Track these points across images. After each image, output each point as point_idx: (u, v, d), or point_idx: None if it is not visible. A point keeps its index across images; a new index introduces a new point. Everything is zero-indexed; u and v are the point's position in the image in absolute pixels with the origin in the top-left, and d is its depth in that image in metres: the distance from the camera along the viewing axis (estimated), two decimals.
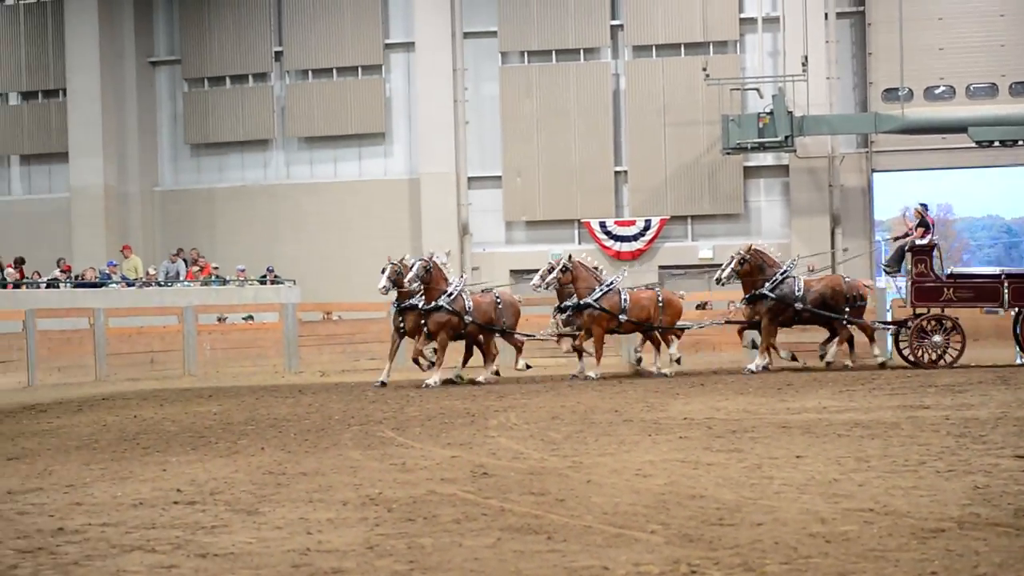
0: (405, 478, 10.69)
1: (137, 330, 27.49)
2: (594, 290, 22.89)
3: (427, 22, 37.20)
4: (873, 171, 36.22)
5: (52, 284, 31.67)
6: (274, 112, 38.76)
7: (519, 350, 23.70)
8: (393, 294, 22.50)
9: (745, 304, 23.74)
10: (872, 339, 23.85)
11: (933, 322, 23.31)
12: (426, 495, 9.71)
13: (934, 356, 23.25)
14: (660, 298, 23.60)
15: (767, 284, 23.18)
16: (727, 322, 24.86)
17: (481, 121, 37.72)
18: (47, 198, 39.40)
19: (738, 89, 35.71)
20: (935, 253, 23.65)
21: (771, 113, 34.11)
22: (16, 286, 30.52)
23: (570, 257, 23.27)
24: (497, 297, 23.37)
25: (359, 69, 38.25)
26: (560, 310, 23.44)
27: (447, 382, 22.34)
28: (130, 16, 38.91)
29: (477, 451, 12.48)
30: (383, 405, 18.41)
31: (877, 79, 35.85)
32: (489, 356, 23.48)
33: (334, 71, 38.36)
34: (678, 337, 23.88)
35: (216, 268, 35.11)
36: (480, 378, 22.72)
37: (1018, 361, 24.14)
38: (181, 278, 34.42)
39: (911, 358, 23.49)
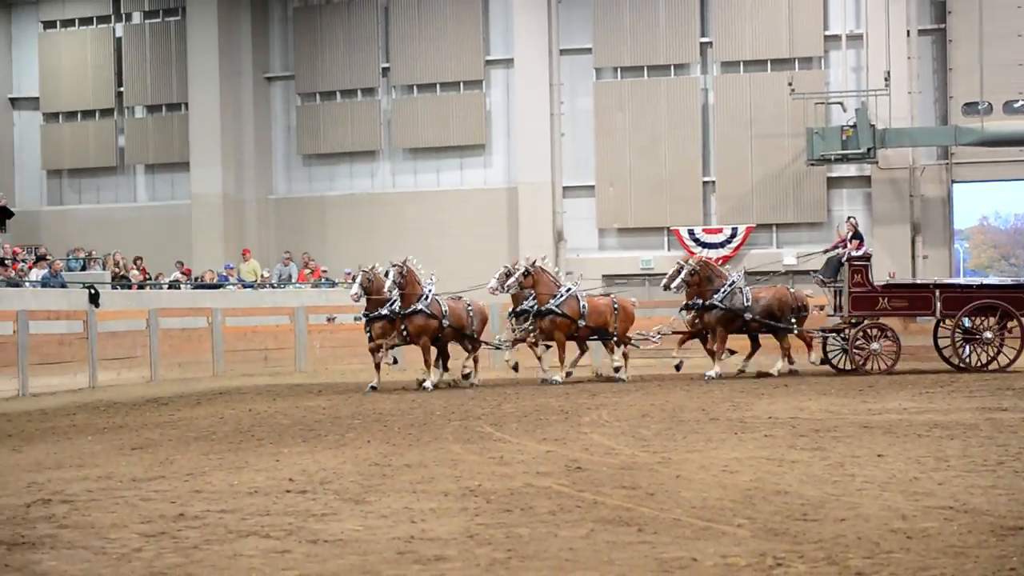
0: (503, 471, 10.71)
1: (252, 329, 27.80)
2: (554, 296, 22.29)
3: (526, 40, 37.22)
4: (953, 182, 35.60)
5: (173, 285, 32.13)
6: (381, 125, 38.95)
7: (476, 361, 22.87)
8: (363, 302, 21.57)
9: (689, 312, 23.25)
10: (810, 347, 23.77)
11: (870, 330, 23.25)
12: (523, 487, 9.72)
13: (861, 361, 23.19)
14: (615, 304, 23.25)
15: (718, 295, 22.85)
16: (674, 332, 24.06)
17: (576, 133, 37.65)
18: (170, 205, 39.91)
19: (822, 103, 35.29)
20: (870, 264, 23.65)
21: (854, 126, 33.73)
22: (140, 287, 31.00)
23: (533, 262, 22.64)
24: (468, 304, 22.76)
25: (461, 84, 38.34)
26: (516, 315, 22.72)
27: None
28: (248, 35, 39.34)
29: (571, 446, 12.46)
30: (481, 402, 18.45)
31: (957, 93, 35.25)
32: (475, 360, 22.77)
33: (437, 86, 38.48)
34: (626, 350, 23.50)
35: (326, 271, 35.41)
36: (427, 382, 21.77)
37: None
38: (293, 280, 34.75)
39: (849, 366, 23.46)
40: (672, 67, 37.04)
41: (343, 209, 38.87)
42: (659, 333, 24.02)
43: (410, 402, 18.69)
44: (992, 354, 23.11)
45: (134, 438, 14.41)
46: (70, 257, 33.52)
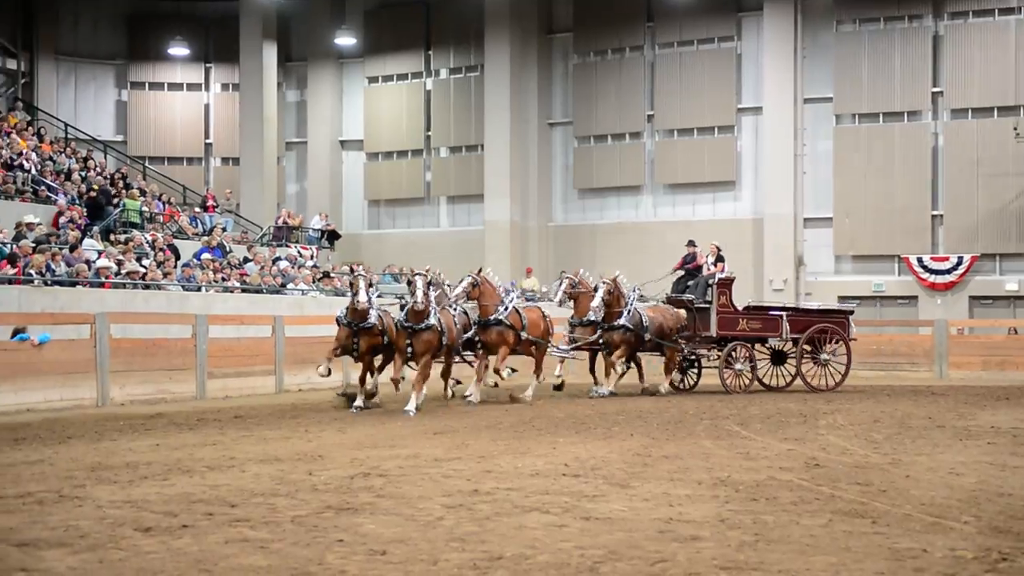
0: (749, 465, 10.53)
1: None
2: (499, 308, 19.17)
3: (773, 90, 36.62)
4: None
5: None
6: (645, 163, 38.94)
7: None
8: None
9: (586, 328, 21.03)
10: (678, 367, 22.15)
11: (735, 350, 21.55)
12: (767, 480, 9.54)
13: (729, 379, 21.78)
14: (545, 315, 20.70)
15: (624, 315, 20.75)
16: (578, 348, 21.53)
17: (816, 171, 36.80)
18: (466, 230, 40.82)
19: None
20: (732, 286, 22.27)
21: None
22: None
23: (479, 272, 19.53)
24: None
25: (715, 129, 37.96)
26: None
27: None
28: (534, 87, 39.94)
29: (810, 445, 12.18)
30: (728, 404, 18.20)
31: None
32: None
33: (695, 130, 38.20)
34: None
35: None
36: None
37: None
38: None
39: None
40: (905, 114, 35.81)
41: (611, 236, 39.01)
42: (569, 348, 21.51)
43: (666, 403, 18.59)
44: (832, 373, 21.83)
45: (436, 424, 14.77)
46: (385, 273, 34.67)
